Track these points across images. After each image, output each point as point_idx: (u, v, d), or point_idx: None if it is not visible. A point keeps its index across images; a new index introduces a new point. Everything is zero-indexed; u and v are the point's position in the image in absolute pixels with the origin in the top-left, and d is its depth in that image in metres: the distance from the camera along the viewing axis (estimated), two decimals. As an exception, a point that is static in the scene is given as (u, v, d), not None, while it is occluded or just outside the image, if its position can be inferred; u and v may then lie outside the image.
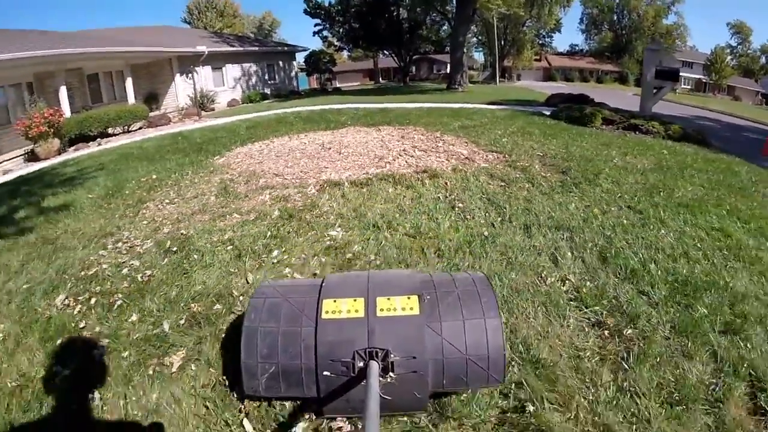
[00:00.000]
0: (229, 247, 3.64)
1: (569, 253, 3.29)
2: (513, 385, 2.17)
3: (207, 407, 2.14)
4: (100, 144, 12.41)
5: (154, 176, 6.40)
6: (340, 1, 33.29)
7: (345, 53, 51.40)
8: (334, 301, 1.99)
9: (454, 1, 27.43)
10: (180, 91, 19.88)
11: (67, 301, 3.15)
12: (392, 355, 1.84)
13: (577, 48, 70.30)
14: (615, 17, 62.71)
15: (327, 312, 1.95)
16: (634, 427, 1.90)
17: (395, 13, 33.93)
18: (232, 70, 23.68)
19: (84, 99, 16.05)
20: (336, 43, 37.56)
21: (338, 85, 38.00)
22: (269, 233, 3.86)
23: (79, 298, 3.15)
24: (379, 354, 1.84)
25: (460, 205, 4.33)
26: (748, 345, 2.40)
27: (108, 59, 16.35)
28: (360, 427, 1.96)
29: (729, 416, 1.97)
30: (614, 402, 2.00)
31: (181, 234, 3.99)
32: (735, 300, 2.82)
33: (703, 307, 2.70)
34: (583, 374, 2.17)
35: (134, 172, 7.01)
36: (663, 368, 2.22)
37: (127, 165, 7.94)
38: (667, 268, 3.12)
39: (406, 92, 23.37)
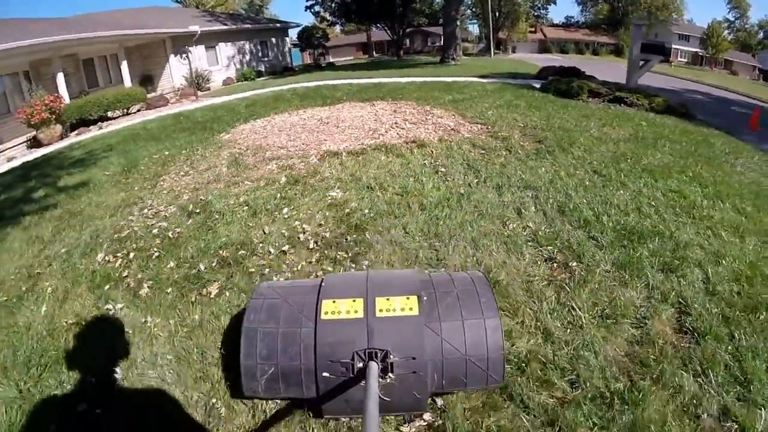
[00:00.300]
0: (245, 208, 4.21)
1: (532, 207, 3.88)
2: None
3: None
4: (101, 128, 12.67)
5: (166, 153, 6.90)
6: (330, -26, 33.09)
7: (337, 28, 50.87)
8: (334, 301, 1.99)
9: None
10: (175, 71, 19.97)
11: (106, 258, 3.70)
12: (392, 356, 1.85)
13: (572, 20, 69.64)
14: (611, -12, 62.01)
15: (326, 313, 1.96)
16: (568, 330, 2.49)
17: (387, -15, 33.63)
18: (226, 49, 23.69)
19: (80, 84, 16.20)
20: (328, 18, 37.29)
21: (331, 60, 37.84)
22: (279, 195, 4.44)
23: (118, 254, 3.71)
24: (379, 355, 1.85)
25: (443, 169, 4.88)
26: (682, 281, 2.94)
27: (102, 43, 16.37)
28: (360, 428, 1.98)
29: (654, 330, 2.54)
30: (554, 313, 2.60)
31: (201, 199, 4.55)
32: (677, 247, 3.36)
33: (645, 250, 3.27)
34: (531, 293, 2.77)
35: (145, 151, 7.48)
36: (600, 292, 2.81)
37: (136, 145, 8.36)
38: (618, 219, 3.69)
39: (399, 66, 23.57)
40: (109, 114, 14.08)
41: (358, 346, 1.86)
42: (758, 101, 19.01)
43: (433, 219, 3.72)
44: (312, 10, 36.00)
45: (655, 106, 10.16)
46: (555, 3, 66.26)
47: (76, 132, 12.49)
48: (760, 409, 2.02)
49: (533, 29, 58.17)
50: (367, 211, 3.93)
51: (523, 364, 2.30)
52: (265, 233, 3.68)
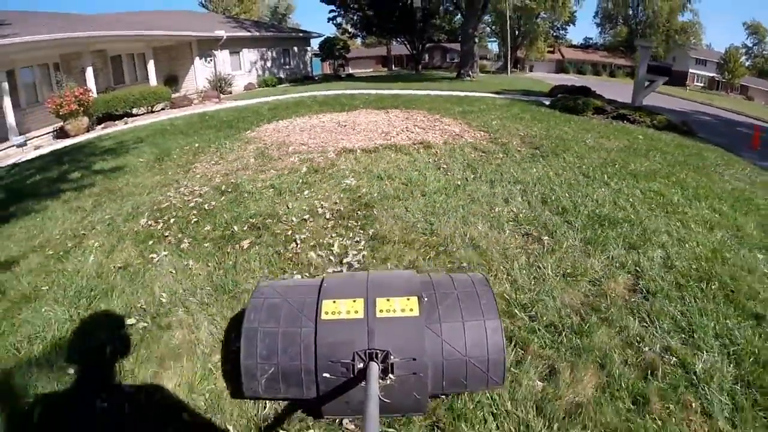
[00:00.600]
0: (271, 189, 4.84)
1: (519, 198, 4.44)
2: (457, 254, 3.31)
3: (270, 273, 3.29)
4: (126, 123, 13.20)
5: (196, 145, 7.57)
6: (354, -12, 34.10)
7: (358, 40, 52.09)
8: (334, 301, 2.01)
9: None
10: (199, 74, 20.78)
11: (148, 222, 4.32)
12: (392, 357, 1.86)
13: (591, 41, 70.13)
14: (630, 12, 62.48)
15: (326, 313, 1.97)
16: (533, 282, 3.05)
17: (409, 2, 34.59)
18: (249, 55, 24.50)
19: (107, 80, 16.85)
20: (350, 30, 38.33)
21: (351, 71, 38.76)
22: (300, 181, 5.06)
23: (159, 220, 4.32)
24: (379, 355, 1.86)
25: (444, 166, 5.47)
26: (643, 256, 3.44)
27: (131, 42, 17.11)
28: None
29: (608, 288, 3.05)
30: (523, 270, 3.15)
31: (231, 182, 5.17)
32: (644, 232, 3.85)
33: (612, 232, 3.78)
34: (506, 256, 3.33)
35: (175, 143, 8.16)
36: (565, 259, 3.36)
37: (165, 138, 9.02)
38: (593, 209, 4.22)
39: (417, 80, 24.33)
40: (134, 111, 14.61)
41: (358, 346, 1.87)
42: (766, 124, 19.28)
43: (431, 202, 4.31)
44: (334, 22, 37.09)
45: (656, 123, 10.63)
46: (574, 24, 66.80)
47: (102, 126, 12.99)
48: (702, 352, 2.47)
49: (551, 49, 58.91)
50: (376, 194, 4.53)
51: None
52: (288, 208, 4.29)
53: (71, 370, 2.43)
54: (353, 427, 2.09)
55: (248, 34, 24.44)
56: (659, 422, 2.03)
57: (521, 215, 4.03)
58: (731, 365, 2.40)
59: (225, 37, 21.42)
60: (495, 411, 2.12)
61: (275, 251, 3.52)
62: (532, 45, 52.84)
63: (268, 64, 26.24)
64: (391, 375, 1.87)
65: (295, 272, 3.24)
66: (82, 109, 12.45)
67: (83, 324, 2.85)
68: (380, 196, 4.46)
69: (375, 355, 1.86)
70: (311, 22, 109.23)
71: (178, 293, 3.06)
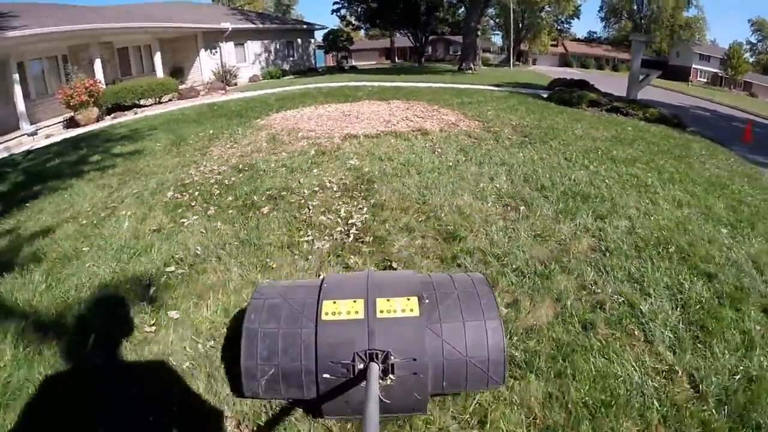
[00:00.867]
0: (283, 168, 5.39)
1: (503, 177, 4.98)
2: (444, 219, 3.86)
3: (288, 232, 3.82)
4: (136, 113, 13.55)
5: (210, 131, 8.10)
6: (358, -20, 34.40)
7: (362, 32, 52.34)
8: (334, 302, 2.02)
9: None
10: (204, 65, 21.06)
11: (175, 195, 4.85)
12: (392, 357, 1.87)
13: (595, 35, 70.14)
14: (635, 6, 62.46)
15: (327, 313, 1.98)
16: (507, 240, 3.60)
17: (413, -7, 34.88)
18: (254, 47, 24.76)
19: (114, 71, 16.98)
20: (354, 22, 38.64)
21: (354, 64, 39.12)
22: (310, 161, 5.62)
23: (184, 194, 4.86)
24: (380, 356, 1.87)
25: (439, 150, 6.02)
26: (608, 224, 3.95)
27: (138, 34, 17.29)
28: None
29: (572, 247, 3.57)
30: (500, 231, 3.71)
31: (247, 162, 5.72)
32: (614, 206, 4.36)
33: (584, 205, 4.31)
34: (486, 221, 3.88)
35: (189, 130, 8.67)
36: (538, 225, 3.90)
37: (178, 126, 9.51)
38: (569, 186, 4.75)
39: (419, 72, 24.78)
40: (142, 102, 14.83)
41: (358, 347, 1.88)
42: (762, 119, 19.56)
43: (425, 179, 4.86)
44: (338, 14, 37.41)
45: (648, 116, 11.07)
46: (579, 18, 66.90)
47: (111, 116, 13.30)
48: (650, 297, 2.97)
49: (555, 43, 58.97)
50: (377, 172, 5.07)
51: (470, 255, 3.40)
52: (300, 183, 4.85)
53: (120, 308, 2.95)
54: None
55: (253, 26, 24.70)
56: (603, 342, 2.55)
57: (503, 190, 4.58)
58: (677, 309, 2.89)
59: (230, 29, 21.71)
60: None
61: (291, 215, 4.10)
62: (535, 38, 52.94)
63: (273, 56, 26.51)
64: (391, 375, 1.88)
65: (309, 234, 3.78)
66: (92, 99, 12.82)
67: (127, 273, 3.36)
68: (380, 174, 5.00)
69: (375, 356, 1.87)
70: (315, 14, 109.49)
71: (210, 247, 3.60)
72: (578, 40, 66.41)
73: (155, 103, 15.41)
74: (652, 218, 4.19)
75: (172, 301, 2.96)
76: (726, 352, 2.53)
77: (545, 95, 13.60)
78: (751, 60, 56.74)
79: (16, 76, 12.16)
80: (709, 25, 65.19)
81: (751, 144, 10.71)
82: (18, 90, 12.13)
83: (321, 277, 2.35)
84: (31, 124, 12.33)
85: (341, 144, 6.36)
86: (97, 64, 14.68)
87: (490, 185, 4.72)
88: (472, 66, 26.91)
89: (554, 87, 16.05)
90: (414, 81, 17.31)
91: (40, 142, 10.85)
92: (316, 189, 4.66)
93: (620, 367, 2.36)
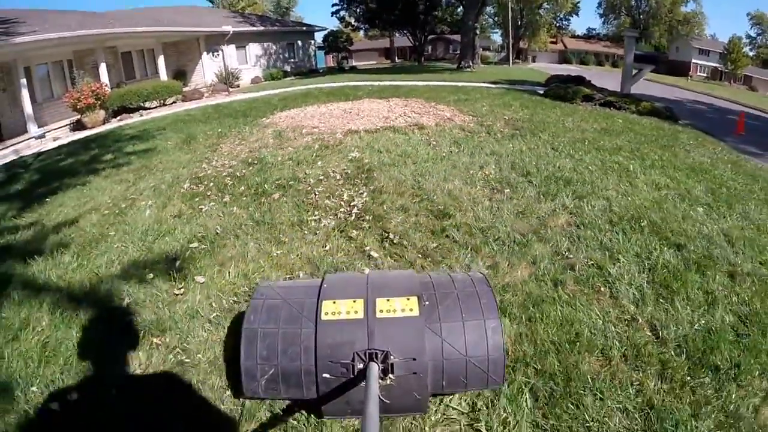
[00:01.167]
0: (290, 161, 5.82)
1: (492, 165, 5.39)
2: (436, 200, 4.28)
3: (297, 213, 4.22)
4: (142, 115, 13.82)
5: (219, 130, 8.54)
6: (358, -18, 34.83)
7: (362, 32, 52.76)
8: (334, 302, 2.03)
9: (465, -14, 28.88)
10: (207, 68, 21.54)
11: (191, 187, 5.27)
12: (392, 357, 1.88)
13: (594, 32, 70.33)
14: (633, 2, 62.61)
15: (326, 313, 1.99)
16: (491, 216, 4.03)
17: (411, -7, 35.28)
18: (255, 49, 25.27)
19: (119, 75, 17.14)
20: (353, 23, 39.10)
21: (355, 64, 39.58)
22: (314, 154, 6.05)
23: (199, 185, 5.28)
24: (379, 356, 1.88)
25: (434, 142, 6.44)
26: (586, 204, 4.33)
27: (141, 38, 17.70)
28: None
29: (550, 222, 3.97)
30: (486, 210, 4.14)
31: (256, 157, 6.16)
32: (594, 189, 4.75)
33: (566, 188, 4.71)
34: (474, 202, 4.30)
35: (197, 129, 9.09)
36: (521, 204, 4.31)
37: (186, 125, 9.90)
38: (553, 172, 5.16)
39: (418, 71, 25.20)
40: (147, 104, 15.07)
41: (358, 347, 1.89)
42: (763, 113, 19.81)
43: (420, 168, 5.29)
44: (337, 16, 37.88)
45: (640, 109, 11.35)
46: (578, 15, 67.18)
47: (117, 118, 13.61)
48: (619, 262, 3.35)
49: (554, 40, 59.24)
50: (376, 163, 5.49)
51: (457, 229, 3.81)
52: (306, 173, 5.28)
53: (150, 276, 3.36)
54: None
55: (254, 28, 25.16)
56: (571, 296, 2.96)
57: (491, 176, 5.01)
58: (644, 273, 3.26)
59: (231, 32, 22.15)
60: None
61: (299, 200, 4.54)
62: (534, 36, 53.21)
63: (274, 57, 26.98)
64: (391, 375, 1.89)
65: (316, 214, 4.21)
66: (98, 102, 13.21)
67: (153, 250, 3.78)
68: (379, 164, 5.42)
69: (375, 356, 1.88)
70: (314, 16, 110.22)
71: (227, 227, 4.03)
72: (577, 36, 66.63)
73: (160, 106, 15.68)
74: (629, 198, 4.56)
75: (196, 270, 3.38)
76: (688, 307, 2.89)
77: (541, 91, 13.93)
78: (750, 54, 56.81)
79: (24, 81, 12.47)
80: (708, 19, 65.24)
81: (743, 136, 11.01)
82: (25, 94, 12.44)
83: (320, 277, 2.39)
84: (39, 127, 12.63)
85: (343, 139, 6.77)
86: (102, 68, 14.99)
87: (479, 172, 5.13)
88: (471, 64, 27.33)
89: (551, 83, 16.43)
90: (413, 80, 17.73)
91: (48, 144, 11.14)
92: (321, 178, 5.08)
93: (585, 315, 2.76)
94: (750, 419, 2.13)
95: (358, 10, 36.73)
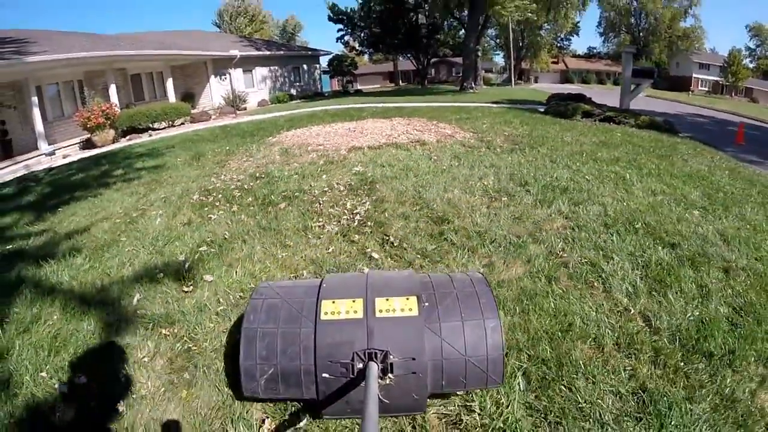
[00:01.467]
0: (295, 175, 6.01)
1: (492, 177, 5.53)
2: (436, 208, 4.43)
3: (302, 220, 4.39)
4: (151, 135, 14.31)
5: (227, 148, 8.80)
6: (362, 8, 35.79)
7: (366, 56, 53.84)
8: (333, 302, 2.04)
9: (466, 10, 29.61)
10: (214, 91, 22.21)
11: (200, 198, 5.46)
12: (391, 357, 1.88)
13: (595, 51, 71.30)
14: (633, 20, 63.63)
15: (326, 313, 2.00)
16: (490, 221, 4.15)
17: (414, 19, 36.13)
18: (262, 73, 26.02)
19: (128, 96, 17.92)
20: (357, 47, 40.00)
21: (359, 87, 40.29)
22: (319, 169, 6.23)
23: (208, 196, 5.46)
24: (379, 355, 1.88)
25: (435, 157, 6.62)
26: (581, 209, 4.45)
27: (151, 61, 18.36)
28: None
29: (546, 226, 4.08)
30: (483, 216, 4.27)
31: (263, 171, 6.36)
32: (589, 195, 4.87)
33: (562, 195, 4.83)
34: (473, 210, 4.43)
35: (206, 147, 9.36)
36: (518, 211, 4.43)
37: (194, 144, 10.23)
38: (550, 182, 5.29)
39: (421, 93, 25.74)
40: (156, 125, 15.65)
41: (357, 346, 1.90)
42: (764, 123, 19.87)
43: (421, 180, 5.45)
44: (342, 40, 38.83)
45: (639, 123, 11.52)
46: (578, 35, 68.23)
47: (126, 138, 14.11)
48: (612, 259, 3.46)
49: (555, 60, 60.15)
50: (378, 176, 5.66)
51: (455, 233, 3.95)
52: (311, 186, 5.46)
53: (159, 276, 3.50)
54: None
55: (260, 53, 25.96)
56: (564, 290, 3.07)
57: (490, 186, 5.16)
58: (638, 269, 3.36)
59: (239, 56, 22.89)
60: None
61: (305, 209, 4.71)
62: (536, 56, 54.10)
63: (280, 81, 27.70)
64: (390, 375, 1.89)
65: (320, 221, 4.37)
66: (108, 122, 13.70)
67: (163, 254, 3.92)
68: (382, 177, 5.60)
69: (374, 355, 1.89)
70: (319, 40, 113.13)
71: (235, 233, 4.19)
72: (579, 56, 67.56)
73: (168, 126, 16.19)
74: (624, 204, 4.67)
75: (205, 270, 3.53)
76: (681, 299, 2.98)
77: (542, 110, 14.19)
78: (750, 66, 57.31)
79: (35, 99, 12.95)
80: (708, 34, 66.06)
81: (743, 146, 11.11)
82: (36, 112, 12.91)
83: (320, 277, 2.39)
84: (49, 144, 13.08)
85: (347, 155, 6.97)
86: (112, 90, 15.54)
87: (478, 183, 5.28)
88: (473, 86, 27.85)
89: (551, 101, 16.70)
90: (416, 101, 18.10)
91: (58, 161, 11.50)
92: (326, 189, 5.26)
93: (578, 308, 2.87)
94: (746, 402, 2.20)
95: (362, 34, 37.68)
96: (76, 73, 15.31)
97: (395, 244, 3.79)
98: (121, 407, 2.28)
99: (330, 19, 36.25)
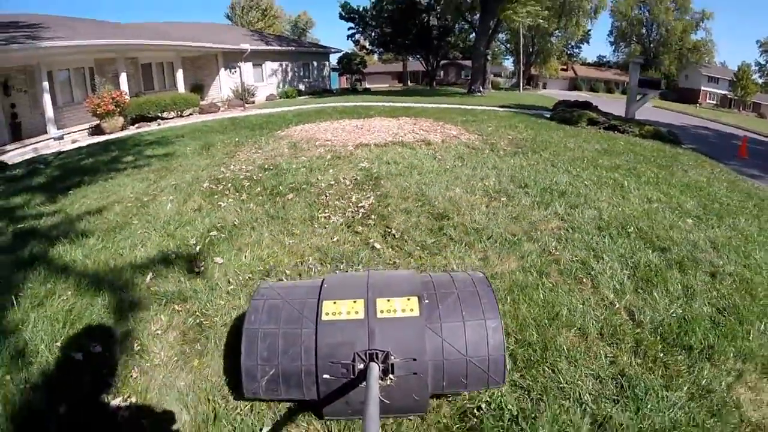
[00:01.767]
0: (303, 168, 6.20)
1: (493, 178, 5.71)
2: (437, 205, 4.62)
3: (309, 211, 4.57)
4: (159, 124, 14.40)
5: (236, 139, 9.00)
6: (374, 7, 35.95)
7: (375, 56, 54.03)
8: (334, 302, 2.04)
9: (478, 14, 29.77)
10: (224, 83, 22.41)
11: (210, 186, 5.64)
12: (392, 357, 1.88)
13: (604, 59, 71.37)
14: (644, 30, 63.63)
15: (327, 314, 2.00)
16: (487, 220, 4.32)
17: (426, 20, 36.26)
18: (271, 67, 26.24)
19: (138, 85, 18.06)
20: (368, 46, 40.18)
21: (368, 86, 40.46)
22: (326, 164, 6.42)
23: (218, 185, 5.65)
24: (380, 356, 1.88)
25: (439, 157, 6.81)
26: (577, 212, 4.62)
27: (162, 51, 18.54)
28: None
29: (541, 226, 4.25)
30: (481, 215, 4.44)
31: (271, 163, 6.55)
32: (586, 199, 5.04)
33: (560, 198, 5.01)
34: (472, 208, 4.61)
35: (215, 138, 9.53)
36: (515, 211, 4.61)
37: (204, 134, 10.37)
38: (549, 185, 5.46)
39: (429, 94, 25.93)
40: (164, 115, 15.81)
41: (358, 347, 1.90)
42: (762, 137, 19.90)
43: (424, 178, 5.64)
44: (352, 39, 39.02)
45: (643, 132, 11.64)
46: (588, 43, 68.29)
47: (135, 126, 14.21)
48: (603, 259, 3.62)
49: (565, 67, 60.22)
50: (383, 172, 5.85)
51: (454, 228, 4.13)
52: (318, 179, 5.66)
53: (171, 257, 3.69)
54: None
55: (271, 48, 26.17)
56: (554, 284, 3.25)
57: (490, 187, 5.35)
58: (626, 269, 3.52)
59: (249, 50, 23.05)
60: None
61: (311, 200, 4.91)
62: (545, 62, 54.24)
63: (289, 76, 27.92)
64: (391, 375, 1.89)
65: (326, 212, 4.55)
66: (118, 109, 13.87)
67: (175, 236, 4.10)
68: (387, 173, 5.79)
69: (375, 356, 1.89)
70: (330, 37, 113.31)
71: (244, 220, 4.39)
72: (588, 64, 67.64)
73: (177, 117, 16.36)
74: (619, 209, 4.84)
75: (215, 253, 3.72)
76: (666, 298, 3.14)
77: (548, 115, 14.30)
78: (760, 81, 57.20)
79: (46, 84, 13.10)
80: (718, 47, 65.99)
81: (746, 159, 11.20)
82: (47, 97, 13.07)
83: (321, 277, 2.41)
84: (58, 129, 13.26)
85: (354, 151, 7.16)
86: (122, 78, 15.71)
87: (479, 183, 5.47)
88: (481, 89, 27.96)
89: (557, 108, 16.83)
90: (423, 102, 18.26)
91: (67, 146, 11.65)
92: (332, 183, 5.45)
93: (566, 300, 3.05)
94: (722, 394, 2.34)
95: (373, 33, 37.85)
96: (87, 60, 15.45)
97: (396, 237, 3.97)
98: (135, 374, 2.47)
99: (341, 17, 36.46)
